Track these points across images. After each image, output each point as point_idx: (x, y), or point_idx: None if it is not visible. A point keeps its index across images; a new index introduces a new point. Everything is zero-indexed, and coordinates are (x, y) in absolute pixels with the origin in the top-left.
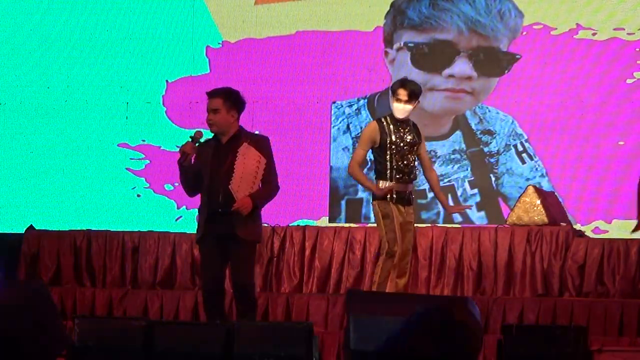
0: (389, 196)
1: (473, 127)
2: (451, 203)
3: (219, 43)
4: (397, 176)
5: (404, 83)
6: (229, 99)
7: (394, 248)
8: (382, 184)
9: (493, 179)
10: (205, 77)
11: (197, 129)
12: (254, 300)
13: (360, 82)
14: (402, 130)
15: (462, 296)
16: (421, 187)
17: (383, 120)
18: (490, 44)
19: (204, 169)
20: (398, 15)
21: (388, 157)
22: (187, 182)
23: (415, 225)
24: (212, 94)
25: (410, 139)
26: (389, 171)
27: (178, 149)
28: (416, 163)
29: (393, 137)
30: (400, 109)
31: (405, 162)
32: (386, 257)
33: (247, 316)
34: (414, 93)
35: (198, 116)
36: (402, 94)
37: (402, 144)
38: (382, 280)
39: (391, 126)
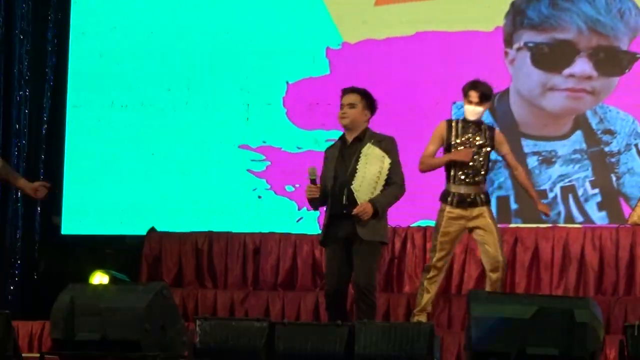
0: (448, 199)
1: (593, 126)
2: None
3: (339, 44)
4: (460, 178)
5: (475, 85)
6: (366, 98)
7: (430, 261)
8: (448, 186)
9: (614, 178)
10: (326, 78)
11: (311, 167)
12: (373, 302)
13: None
14: (470, 133)
15: (583, 297)
16: (542, 188)
17: (453, 122)
18: (610, 44)
19: (329, 172)
20: (518, 15)
21: None
22: (314, 203)
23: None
24: (349, 90)
25: (479, 142)
26: (452, 171)
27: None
28: (486, 165)
29: (459, 139)
30: (471, 111)
31: (471, 163)
32: (424, 270)
33: (367, 318)
34: (485, 95)
35: (318, 117)
36: (474, 95)
37: (468, 147)
38: (419, 292)
39: (459, 128)
